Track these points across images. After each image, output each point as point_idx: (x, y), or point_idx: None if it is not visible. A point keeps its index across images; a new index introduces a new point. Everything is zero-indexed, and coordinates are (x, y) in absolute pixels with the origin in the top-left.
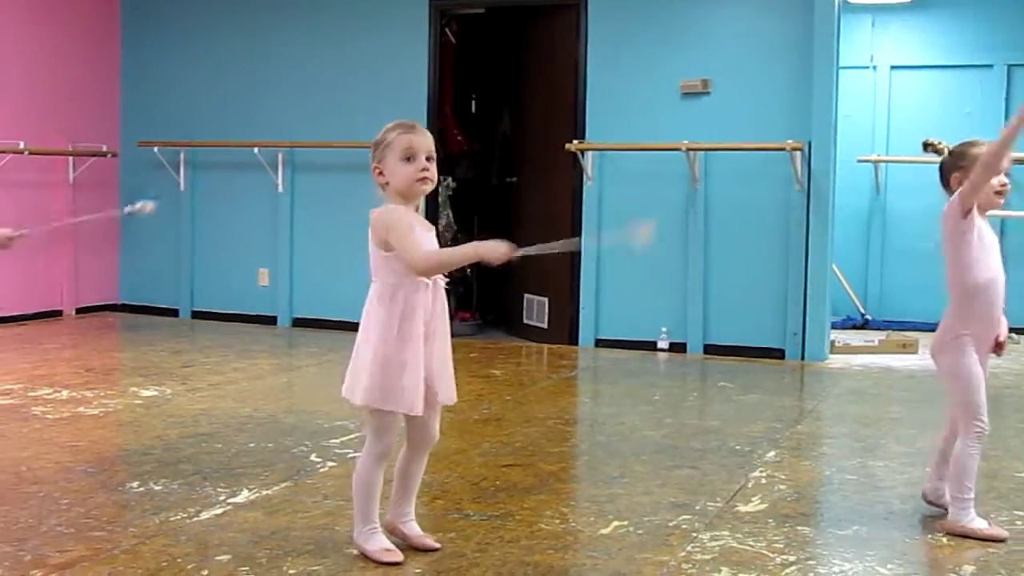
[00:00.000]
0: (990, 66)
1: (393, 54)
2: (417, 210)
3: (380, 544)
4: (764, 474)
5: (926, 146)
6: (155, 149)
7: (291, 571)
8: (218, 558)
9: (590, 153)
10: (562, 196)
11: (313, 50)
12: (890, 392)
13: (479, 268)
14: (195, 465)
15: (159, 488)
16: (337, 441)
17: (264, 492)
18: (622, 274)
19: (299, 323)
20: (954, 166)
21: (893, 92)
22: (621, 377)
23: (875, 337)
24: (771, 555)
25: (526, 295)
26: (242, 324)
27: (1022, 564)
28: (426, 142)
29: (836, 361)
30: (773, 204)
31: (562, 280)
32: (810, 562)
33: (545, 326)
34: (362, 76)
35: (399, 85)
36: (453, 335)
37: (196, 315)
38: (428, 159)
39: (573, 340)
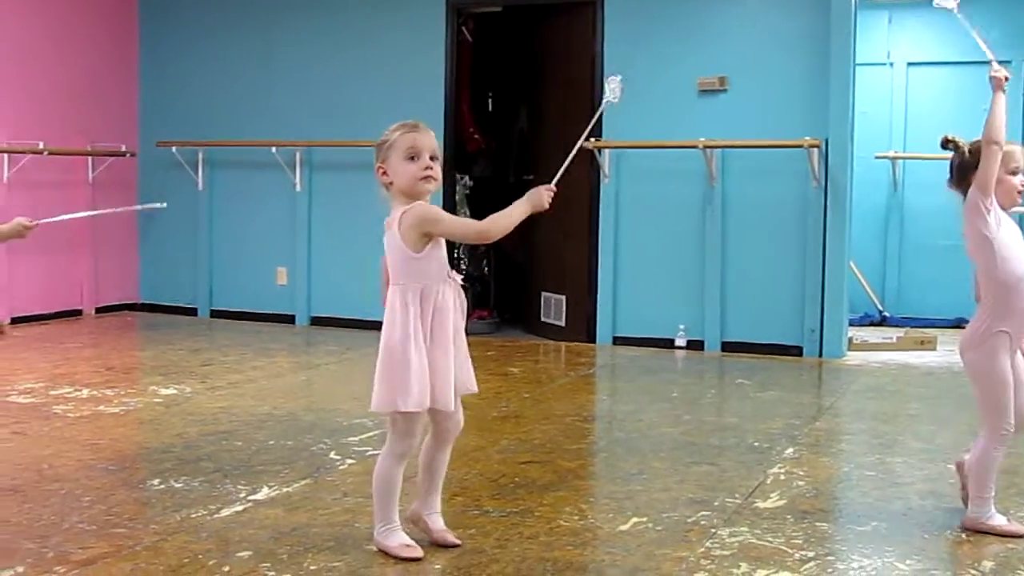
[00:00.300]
0: (1008, 62)
1: (410, 53)
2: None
3: (400, 540)
4: (783, 470)
5: (946, 143)
6: (173, 149)
7: (312, 567)
8: (239, 554)
9: (607, 151)
10: (580, 194)
11: (330, 49)
12: (908, 389)
13: (496, 266)
14: (215, 463)
15: (180, 485)
16: (356, 439)
17: (284, 489)
18: (639, 272)
19: (317, 322)
20: (975, 165)
21: (910, 88)
22: (639, 374)
23: (893, 334)
24: (790, 551)
25: (543, 293)
26: (260, 323)
27: None
28: (429, 141)
29: (854, 358)
30: (790, 201)
31: (579, 278)
32: (829, 558)
33: (562, 324)
34: (379, 75)
35: (416, 84)
36: (471, 333)
37: (215, 314)
38: (432, 158)
39: (591, 338)
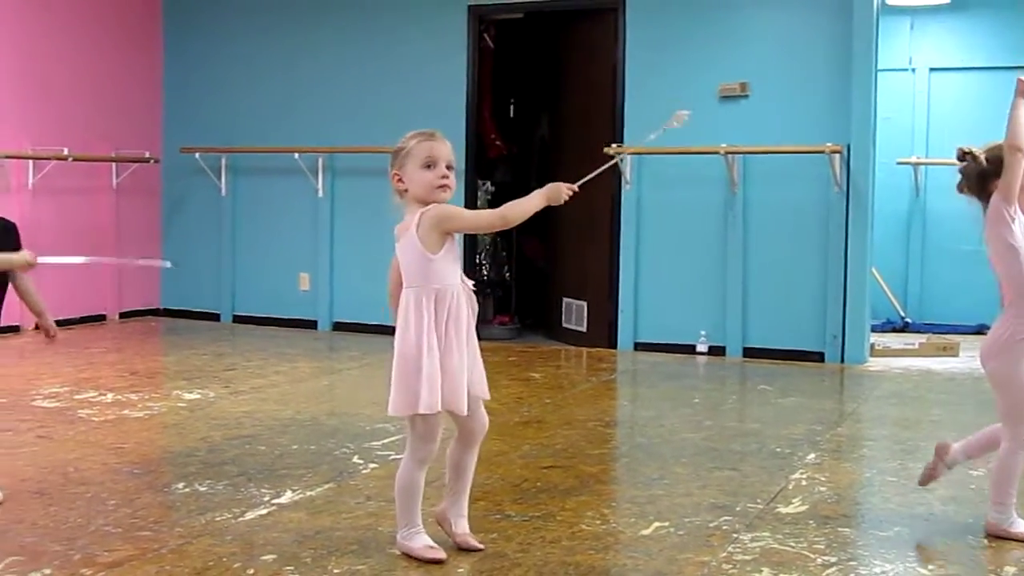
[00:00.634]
0: None
1: (432, 60)
2: None
3: (424, 542)
4: (804, 476)
5: (963, 156)
6: (197, 155)
7: (336, 570)
8: (263, 557)
9: (628, 156)
10: (601, 200)
11: (352, 56)
12: (930, 395)
13: (518, 271)
14: (239, 466)
15: (204, 489)
16: (379, 443)
17: (307, 493)
18: (661, 277)
19: (339, 327)
20: (995, 173)
21: (932, 94)
22: (660, 380)
23: (915, 340)
24: (812, 556)
25: (565, 299)
26: (282, 328)
27: None
28: (446, 151)
29: (876, 364)
30: (812, 207)
31: (601, 284)
32: (851, 563)
33: (584, 329)
34: (401, 81)
35: (438, 90)
36: (492, 339)
37: (237, 319)
38: (448, 168)
39: (612, 343)
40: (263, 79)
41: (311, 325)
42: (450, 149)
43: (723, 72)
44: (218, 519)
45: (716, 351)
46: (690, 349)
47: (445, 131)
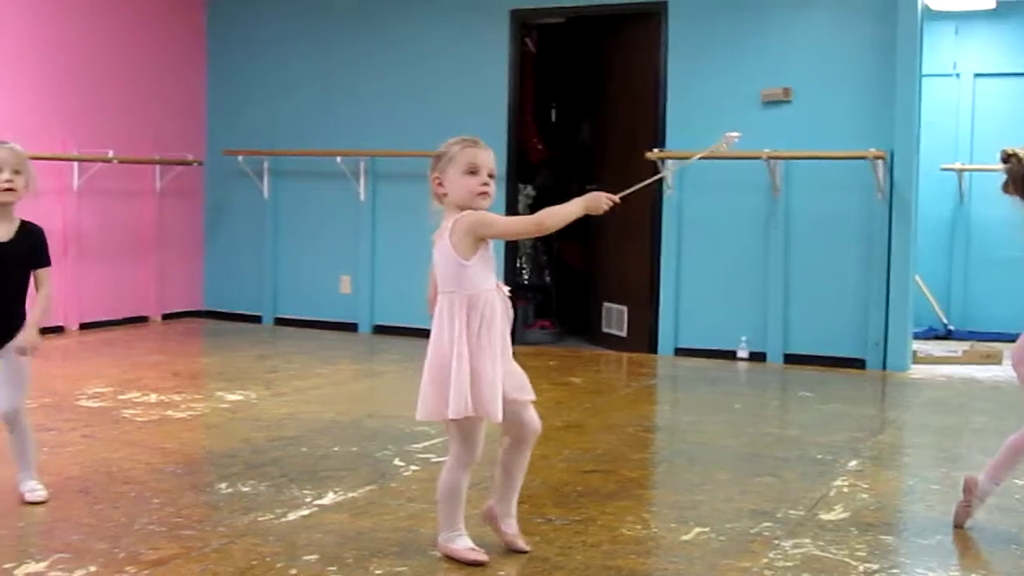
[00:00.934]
0: None
1: (474, 64)
2: None
3: (466, 544)
4: (846, 483)
5: (1007, 157)
6: (239, 158)
7: (377, 571)
8: (306, 558)
9: (670, 162)
10: (642, 205)
11: (394, 60)
12: (973, 403)
13: (558, 276)
14: (281, 468)
15: (247, 489)
16: (420, 446)
17: (349, 495)
18: (702, 283)
19: (379, 330)
20: None
21: (977, 100)
22: (700, 386)
23: (958, 347)
24: (854, 563)
25: (605, 303)
26: (323, 331)
27: None
28: (488, 158)
29: (918, 371)
30: (855, 213)
31: (641, 289)
32: (893, 571)
33: (624, 334)
34: (443, 86)
35: (480, 94)
36: (532, 343)
37: (279, 322)
38: (489, 175)
39: (652, 349)
40: (305, 83)
41: (352, 328)
42: (492, 157)
43: (766, 77)
44: (261, 519)
45: (757, 357)
46: (731, 355)
47: (486, 135)
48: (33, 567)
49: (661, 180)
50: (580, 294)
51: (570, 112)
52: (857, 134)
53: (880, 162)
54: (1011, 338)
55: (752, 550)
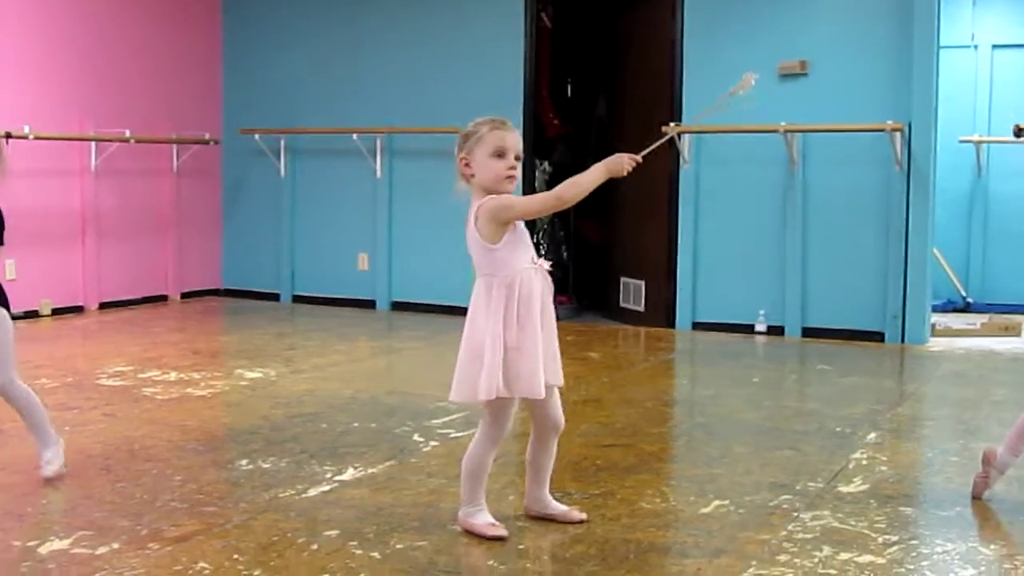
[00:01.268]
0: None
1: (490, 39)
2: None
3: (486, 519)
4: (865, 456)
5: (1020, 131)
6: (256, 136)
7: (398, 546)
8: (327, 533)
9: (687, 136)
10: (659, 179)
11: (410, 36)
12: (992, 375)
13: (576, 252)
14: (301, 444)
15: (267, 466)
16: (439, 421)
17: (369, 470)
18: (719, 257)
19: (397, 307)
20: None
21: (995, 71)
22: (719, 360)
23: (977, 320)
24: (873, 535)
25: (622, 278)
26: (342, 308)
27: None
28: (516, 141)
29: (937, 344)
30: (872, 186)
31: (659, 263)
32: (913, 542)
33: (642, 309)
34: (459, 62)
35: (496, 70)
36: None
37: (297, 299)
38: (516, 158)
39: (670, 323)
40: (321, 61)
41: (370, 305)
42: (519, 139)
43: (782, 50)
44: (281, 495)
45: (775, 331)
46: (749, 329)
47: (502, 111)
48: (57, 544)
49: (672, 139)
50: (597, 269)
51: (586, 87)
52: (875, 106)
53: (898, 134)
54: None
55: (771, 522)
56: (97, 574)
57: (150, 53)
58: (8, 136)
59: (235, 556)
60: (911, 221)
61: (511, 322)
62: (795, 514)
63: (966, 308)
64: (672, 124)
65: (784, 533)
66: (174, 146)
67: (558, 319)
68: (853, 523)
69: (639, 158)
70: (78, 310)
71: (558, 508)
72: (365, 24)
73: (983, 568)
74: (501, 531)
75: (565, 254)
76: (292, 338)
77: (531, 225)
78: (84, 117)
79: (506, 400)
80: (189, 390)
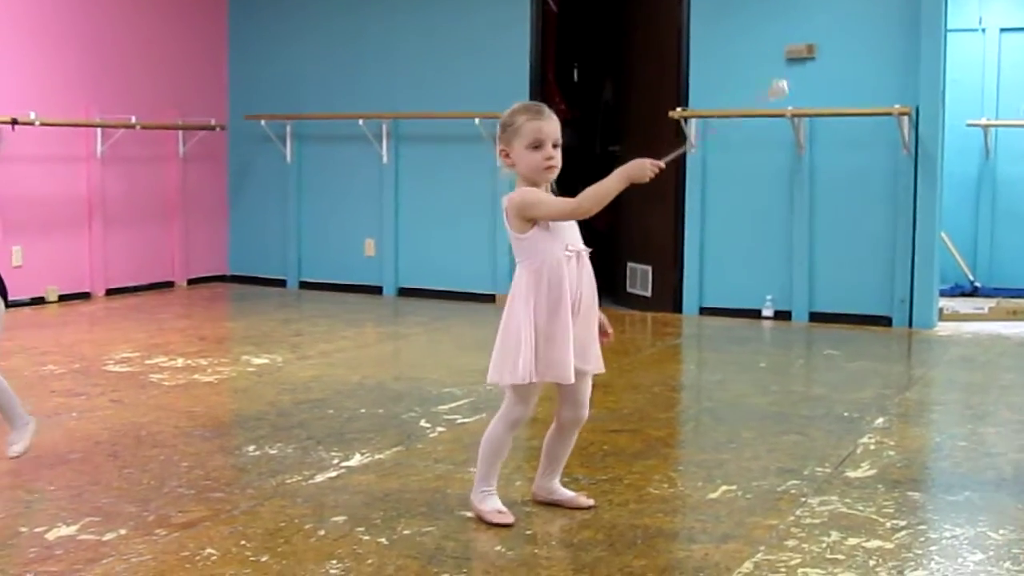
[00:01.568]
0: None
1: (496, 24)
2: (548, 191)
3: (494, 506)
4: (873, 440)
5: None
6: (262, 122)
7: (405, 532)
8: (334, 519)
9: (694, 120)
10: (666, 163)
11: (416, 20)
12: (1000, 359)
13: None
14: (308, 430)
15: (274, 452)
16: (446, 407)
17: (376, 456)
18: (726, 242)
19: (404, 293)
20: None
21: (1003, 55)
22: (726, 345)
23: (985, 304)
24: (881, 520)
25: (629, 264)
26: (348, 294)
27: None
28: (553, 129)
29: (945, 328)
30: (880, 170)
31: (666, 248)
32: (921, 527)
33: (649, 294)
34: (465, 46)
35: (502, 54)
36: None
37: (303, 285)
38: (554, 146)
39: (677, 308)
40: (327, 46)
41: (376, 291)
42: (557, 126)
43: (789, 33)
44: (289, 481)
45: (782, 316)
46: (756, 314)
47: (508, 96)
48: (64, 530)
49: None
50: (604, 254)
51: (593, 72)
52: (882, 90)
53: (905, 118)
54: None
55: (779, 508)
56: (104, 560)
57: (156, 39)
58: (14, 122)
59: (242, 542)
60: (919, 205)
61: (541, 308)
62: (803, 499)
63: (974, 292)
64: (679, 109)
65: (792, 518)
66: (180, 132)
67: None
68: (861, 508)
69: (662, 164)
70: (85, 296)
71: (566, 494)
72: (371, 9)
73: (992, 553)
74: (507, 519)
75: None
76: (299, 324)
77: None
78: (90, 103)
79: (532, 386)
80: (196, 376)
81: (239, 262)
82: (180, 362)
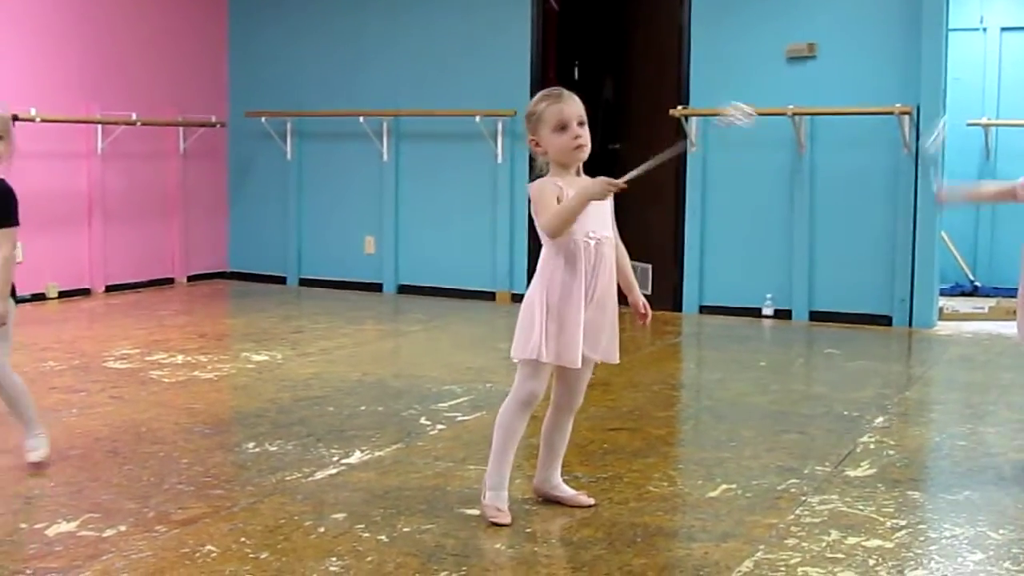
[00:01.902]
0: None
1: (497, 22)
2: (579, 173)
3: (495, 502)
4: (873, 440)
5: None
6: (262, 119)
7: (405, 529)
8: (334, 516)
9: (694, 119)
10: (666, 162)
11: (417, 18)
12: (1000, 359)
13: None
14: (308, 427)
15: (274, 449)
16: (446, 405)
17: (376, 453)
18: (726, 240)
19: (404, 290)
20: None
21: (1004, 54)
22: (726, 343)
23: (985, 304)
24: (881, 519)
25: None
26: (348, 291)
27: None
28: (575, 108)
29: (945, 328)
30: (880, 169)
31: (666, 247)
32: (920, 526)
33: (649, 292)
34: (466, 44)
35: (502, 52)
36: None
37: (303, 282)
38: (580, 124)
39: (677, 307)
40: (328, 43)
41: (376, 288)
42: (579, 105)
43: (790, 32)
44: (288, 478)
45: (782, 315)
46: (756, 313)
47: (509, 94)
48: (64, 527)
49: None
50: None
51: (593, 70)
52: (883, 89)
53: (906, 118)
54: None
55: (779, 506)
56: (104, 556)
57: (157, 35)
58: (15, 119)
59: (242, 539)
60: (919, 205)
61: (554, 291)
62: (803, 498)
63: (974, 292)
64: (679, 108)
65: (792, 517)
66: (180, 129)
67: None
68: (861, 507)
69: (622, 183)
70: (85, 293)
71: (567, 492)
72: (372, 6)
73: (991, 552)
74: (504, 519)
75: None
76: (299, 321)
77: None
78: (91, 100)
79: (542, 365)
80: (196, 373)
81: (239, 259)
82: (180, 359)
